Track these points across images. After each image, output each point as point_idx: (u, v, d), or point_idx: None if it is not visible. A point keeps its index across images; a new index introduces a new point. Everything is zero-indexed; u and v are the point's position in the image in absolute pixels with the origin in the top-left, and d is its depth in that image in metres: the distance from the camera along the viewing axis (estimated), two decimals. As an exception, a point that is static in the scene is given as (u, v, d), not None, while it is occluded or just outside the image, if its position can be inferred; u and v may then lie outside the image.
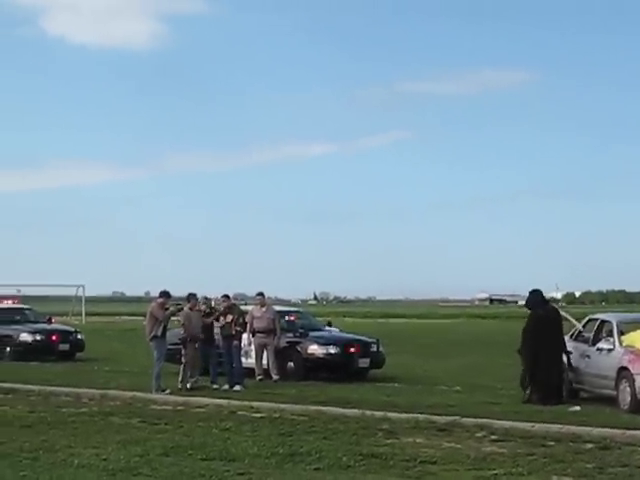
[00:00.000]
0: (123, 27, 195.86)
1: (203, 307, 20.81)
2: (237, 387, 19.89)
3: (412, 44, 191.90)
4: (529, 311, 18.56)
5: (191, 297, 20.80)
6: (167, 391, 18.99)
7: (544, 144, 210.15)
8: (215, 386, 20.05)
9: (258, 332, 21.63)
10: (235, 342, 20.77)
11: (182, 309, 20.80)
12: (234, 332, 20.75)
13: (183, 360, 20.15)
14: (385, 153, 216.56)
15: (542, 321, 18.08)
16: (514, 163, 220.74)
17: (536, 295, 18.65)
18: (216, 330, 20.89)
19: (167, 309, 19.99)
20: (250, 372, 21.30)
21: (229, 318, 20.80)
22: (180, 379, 19.94)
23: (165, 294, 20.32)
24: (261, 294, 22.51)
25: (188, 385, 19.82)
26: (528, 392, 17.67)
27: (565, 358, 18.10)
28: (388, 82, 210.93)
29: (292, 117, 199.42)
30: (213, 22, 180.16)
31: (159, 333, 19.64)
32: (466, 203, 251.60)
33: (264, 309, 22.18)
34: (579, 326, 19.18)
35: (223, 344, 20.88)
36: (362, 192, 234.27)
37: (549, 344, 17.82)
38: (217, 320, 20.81)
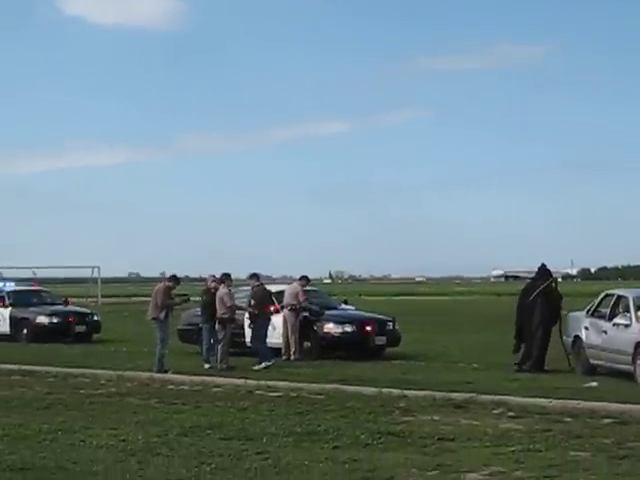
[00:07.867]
0: (141, 6, 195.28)
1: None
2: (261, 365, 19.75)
3: (431, 19, 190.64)
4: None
5: (226, 277, 20.63)
6: (170, 371, 18.99)
7: (560, 119, 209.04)
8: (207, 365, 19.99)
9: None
10: (260, 322, 20.65)
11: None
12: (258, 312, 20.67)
13: (220, 339, 20.03)
14: (402, 130, 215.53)
15: (523, 293, 18.87)
16: (530, 139, 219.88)
17: (539, 269, 19.02)
18: None
19: (172, 297, 19.98)
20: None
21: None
22: (220, 359, 19.86)
23: (174, 279, 20.32)
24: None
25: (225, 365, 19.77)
26: (516, 361, 18.56)
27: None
28: (406, 58, 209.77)
29: (308, 95, 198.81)
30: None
31: (162, 316, 19.60)
32: (481, 180, 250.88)
33: None
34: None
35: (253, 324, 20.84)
36: (378, 170, 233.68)
37: (529, 315, 18.41)
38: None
